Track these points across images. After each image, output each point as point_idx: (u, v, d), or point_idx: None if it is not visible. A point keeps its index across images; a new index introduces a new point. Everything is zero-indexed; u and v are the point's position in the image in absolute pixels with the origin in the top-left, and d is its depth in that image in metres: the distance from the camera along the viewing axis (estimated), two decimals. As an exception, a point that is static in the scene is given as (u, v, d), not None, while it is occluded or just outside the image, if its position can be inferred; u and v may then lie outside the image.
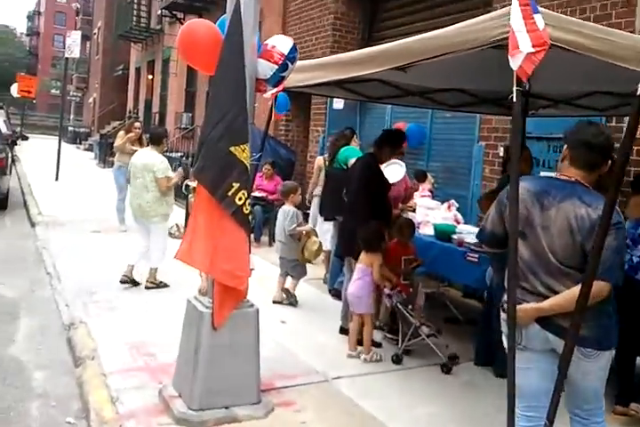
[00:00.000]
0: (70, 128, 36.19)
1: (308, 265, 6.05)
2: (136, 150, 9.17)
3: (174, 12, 16.71)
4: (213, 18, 15.58)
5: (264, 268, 6.67)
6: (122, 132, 9.36)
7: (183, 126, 16.93)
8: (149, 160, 6.06)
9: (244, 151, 3.40)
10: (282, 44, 3.61)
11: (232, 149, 3.37)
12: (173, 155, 15.14)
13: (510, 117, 4.46)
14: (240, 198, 3.38)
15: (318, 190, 7.08)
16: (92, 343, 4.43)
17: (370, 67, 3.27)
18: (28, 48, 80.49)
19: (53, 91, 69.16)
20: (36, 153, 21.50)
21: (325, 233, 6.50)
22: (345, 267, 5.10)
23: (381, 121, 8.72)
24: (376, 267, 4.51)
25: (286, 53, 3.57)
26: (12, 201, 11.04)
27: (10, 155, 10.89)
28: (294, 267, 5.92)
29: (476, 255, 4.62)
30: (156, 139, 6.21)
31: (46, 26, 73.34)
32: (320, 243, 5.87)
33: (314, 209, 7.35)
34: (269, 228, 8.84)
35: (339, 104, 9.86)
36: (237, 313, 3.52)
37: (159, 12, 19.22)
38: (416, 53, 2.93)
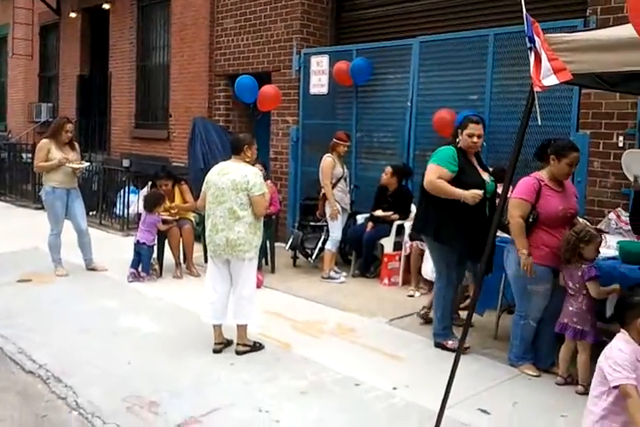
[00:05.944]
0: None
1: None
2: (76, 164, 6.29)
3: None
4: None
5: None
6: (45, 140, 6.33)
7: (42, 120, 13.63)
8: (241, 175, 4.13)
9: None
10: None
11: None
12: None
13: None
14: None
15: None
16: None
17: None
18: None
19: None
20: None
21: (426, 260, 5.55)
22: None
23: (400, 111, 7.07)
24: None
25: None
26: None
27: None
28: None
29: None
30: (237, 147, 4.29)
31: None
32: None
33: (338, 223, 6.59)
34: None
35: (321, 88, 8.10)
36: None
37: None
38: None
